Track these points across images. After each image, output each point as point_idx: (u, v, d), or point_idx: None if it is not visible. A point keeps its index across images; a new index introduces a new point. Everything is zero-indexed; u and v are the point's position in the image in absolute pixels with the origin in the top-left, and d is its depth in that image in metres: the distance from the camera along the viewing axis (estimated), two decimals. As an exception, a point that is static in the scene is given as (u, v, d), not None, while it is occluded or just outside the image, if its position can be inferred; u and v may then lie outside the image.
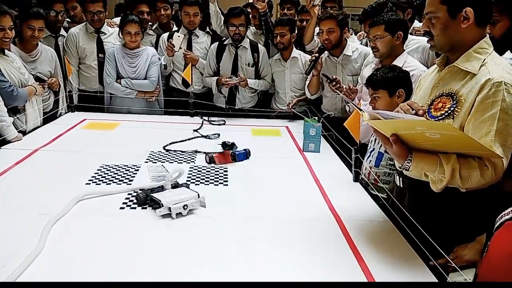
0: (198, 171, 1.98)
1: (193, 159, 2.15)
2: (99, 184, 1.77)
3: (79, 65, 3.21)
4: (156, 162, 2.07)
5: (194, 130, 2.64)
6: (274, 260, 1.26)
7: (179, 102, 3.08)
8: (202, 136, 2.55)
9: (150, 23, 3.49)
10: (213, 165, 2.06)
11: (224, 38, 3.20)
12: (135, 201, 1.59)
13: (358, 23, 3.44)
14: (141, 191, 1.61)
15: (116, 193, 1.67)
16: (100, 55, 3.16)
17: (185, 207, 1.50)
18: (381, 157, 1.95)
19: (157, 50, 3.23)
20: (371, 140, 2.05)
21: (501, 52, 1.58)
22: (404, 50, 2.33)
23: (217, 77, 3.12)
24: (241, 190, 1.79)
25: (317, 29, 2.99)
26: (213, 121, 2.90)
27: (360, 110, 1.34)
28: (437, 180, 1.29)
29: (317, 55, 2.70)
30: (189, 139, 2.47)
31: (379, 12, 2.49)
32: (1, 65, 2.34)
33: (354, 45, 2.88)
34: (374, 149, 2.00)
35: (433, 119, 1.34)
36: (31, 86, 2.53)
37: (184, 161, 2.11)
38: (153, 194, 1.56)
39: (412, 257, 1.29)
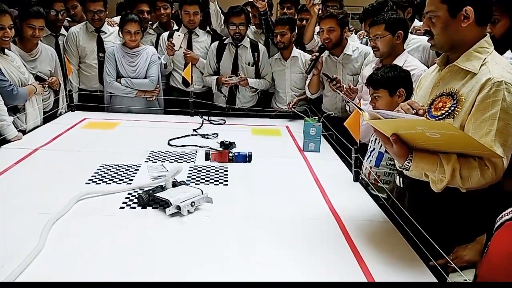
0: (198, 170, 1.98)
1: (193, 158, 2.15)
2: (99, 183, 1.77)
3: (79, 64, 3.21)
4: (156, 162, 2.07)
5: (194, 130, 2.64)
6: (274, 260, 1.26)
7: (179, 102, 3.07)
8: (200, 135, 2.55)
9: (150, 22, 3.49)
10: (213, 164, 2.05)
11: (224, 37, 3.19)
12: (136, 201, 1.58)
13: (359, 22, 3.43)
14: (142, 192, 1.60)
15: (116, 192, 1.66)
16: (100, 54, 3.16)
17: (193, 204, 1.50)
18: (381, 157, 1.94)
19: (157, 49, 3.22)
20: (371, 140, 2.05)
21: (501, 52, 1.59)
22: (405, 50, 2.32)
23: (217, 77, 3.12)
24: (241, 189, 1.79)
25: (317, 28, 2.98)
26: (213, 120, 2.90)
27: (361, 109, 1.33)
28: (438, 180, 1.29)
29: (317, 54, 2.69)
30: (185, 135, 2.48)
31: (380, 11, 2.49)
32: (1, 64, 2.34)
33: (355, 44, 2.87)
34: (374, 149, 2.00)
35: (433, 119, 1.34)
36: (31, 85, 2.53)
37: (184, 161, 2.11)
38: (157, 194, 1.55)
39: (412, 257, 1.28)
